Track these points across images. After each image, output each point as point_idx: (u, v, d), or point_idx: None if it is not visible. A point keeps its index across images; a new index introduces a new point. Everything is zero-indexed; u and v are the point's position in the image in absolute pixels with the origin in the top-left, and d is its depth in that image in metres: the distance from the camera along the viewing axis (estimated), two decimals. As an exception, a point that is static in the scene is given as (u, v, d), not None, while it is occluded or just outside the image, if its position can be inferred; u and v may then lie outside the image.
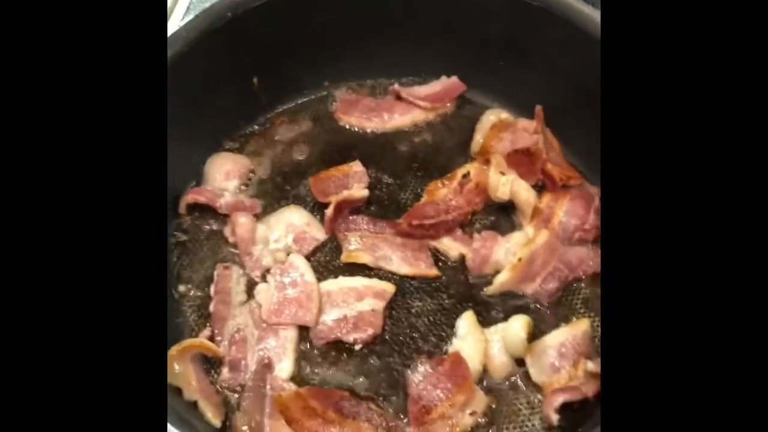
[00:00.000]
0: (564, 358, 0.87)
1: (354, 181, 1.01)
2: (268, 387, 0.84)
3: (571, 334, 0.88)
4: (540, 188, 1.02)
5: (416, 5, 1.04)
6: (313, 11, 1.01)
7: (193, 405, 0.80)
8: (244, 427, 0.80)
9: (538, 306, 0.93)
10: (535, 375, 0.87)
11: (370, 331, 0.89)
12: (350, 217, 0.98)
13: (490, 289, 0.93)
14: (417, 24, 1.06)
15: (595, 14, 0.94)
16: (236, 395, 0.85)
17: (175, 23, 1.25)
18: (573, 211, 0.98)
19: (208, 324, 0.90)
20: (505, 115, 1.05)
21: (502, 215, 1.01)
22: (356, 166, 1.03)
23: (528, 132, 1.03)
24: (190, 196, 0.97)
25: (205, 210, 0.99)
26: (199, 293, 0.93)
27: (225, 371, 0.86)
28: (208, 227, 0.99)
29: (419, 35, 1.08)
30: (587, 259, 0.95)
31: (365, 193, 0.99)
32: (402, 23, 1.06)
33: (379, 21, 1.06)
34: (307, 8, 1.00)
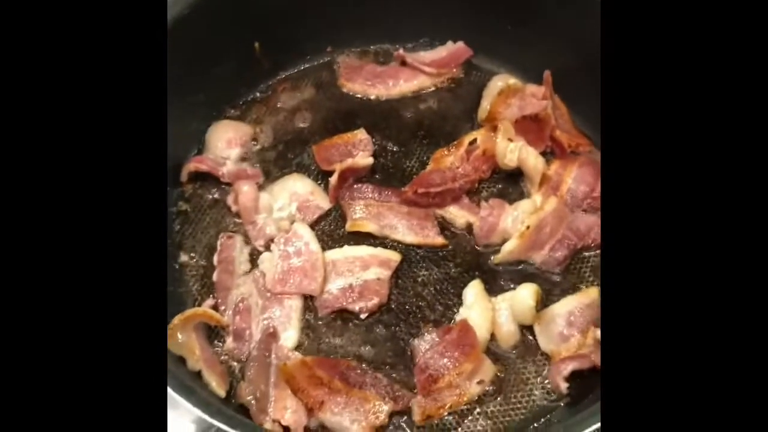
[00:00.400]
0: (573, 327, 0.85)
1: (358, 149, 0.99)
2: (273, 356, 0.83)
3: (580, 303, 0.87)
4: (548, 155, 1.00)
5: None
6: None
7: (197, 374, 0.80)
8: (249, 397, 0.79)
9: (546, 274, 0.91)
10: (544, 343, 0.86)
11: (376, 300, 0.88)
12: (355, 186, 0.97)
13: (497, 258, 0.92)
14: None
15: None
16: (240, 365, 0.84)
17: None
18: (582, 178, 0.96)
19: (211, 294, 0.89)
20: (513, 80, 1.03)
21: (509, 183, 0.99)
22: (360, 134, 1.01)
23: (536, 98, 1.01)
24: (192, 165, 0.96)
25: (207, 178, 0.97)
26: (202, 262, 0.92)
27: (229, 341, 0.85)
28: (210, 196, 0.97)
29: (425, 2, 1.05)
30: (596, 226, 0.93)
31: (370, 161, 0.97)
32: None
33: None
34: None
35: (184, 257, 0.92)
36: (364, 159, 0.97)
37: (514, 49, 1.07)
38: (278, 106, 1.06)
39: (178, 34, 0.88)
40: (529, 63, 1.06)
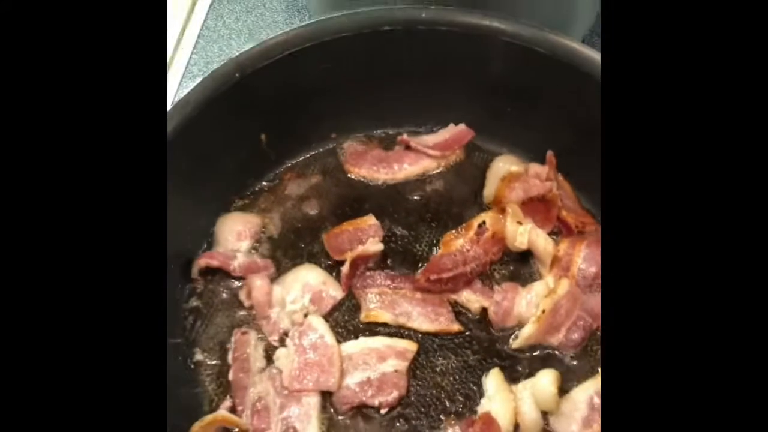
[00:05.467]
0: (595, 411, 0.85)
1: (368, 234, 0.99)
2: (294, 458, 0.82)
3: (599, 386, 0.87)
4: (555, 235, 1.01)
5: (417, 55, 1.03)
6: (316, 67, 1.00)
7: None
8: (273, 504, 0.78)
9: (563, 357, 0.91)
10: (567, 430, 0.85)
11: (395, 394, 0.87)
12: (367, 273, 0.97)
13: (515, 343, 0.92)
14: (420, 73, 1.05)
15: (599, 57, 0.94)
16: (261, 468, 0.82)
17: (175, 78, 1.24)
18: (591, 258, 0.97)
19: (228, 394, 0.87)
20: (515, 167, 1.04)
21: (520, 264, 1.00)
22: (370, 220, 1.01)
23: (540, 179, 1.02)
24: (203, 260, 0.95)
25: (218, 273, 0.97)
26: (215, 361, 0.91)
27: (249, 443, 0.83)
28: (222, 291, 0.97)
29: (424, 84, 1.07)
30: (610, 306, 0.94)
31: (380, 247, 0.97)
32: (405, 73, 1.05)
33: (382, 72, 1.05)
34: (310, 64, 0.99)
35: (198, 356, 0.91)
36: (374, 245, 0.97)
37: (515, 130, 1.09)
38: (286, 194, 1.07)
39: (187, 135, 0.90)
40: (530, 142, 1.08)
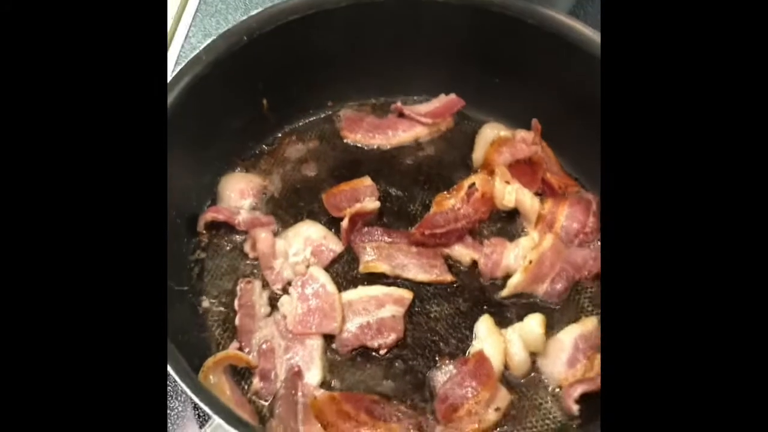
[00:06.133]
0: (579, 352, 0.92)
1: (365, 195, 1.05)
2: (299, 394, 0.86)
3: (582, 331, 0.93)
4: (540, 196, 1.08)
5: (411, 26, 1.09)
6: (317, 35, 1.05)
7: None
8: (280, 433, 0.83)
9: (548, 306, 0.98)
10: (552, 369, 0.92)
11: (393, 336, 0.92)
12: (365, 229, 1.02)
13: (504, 292, 0.98)
14: (413, 44, 1.12)
15: (586, 30, 1.01)
16: (267, 404, 0.87)
17: (175, 49, 1.28)
18: (573, 216, 1.04)
19: (235, 338, 0.92)
20: (503, 131, 1.11)
21: (507, 222, 1.06)
22: (366, 181, 1.07)
23: (526, 143, 1.09)
24: (209, 215, 1.00)
25: (223, 227, 1.01)
26: (222, 308, 0.95)
27: (256, 381, 0.88)
28: (226, 244, 1.01)
29: (416, 55, 1.13)
30: (590, 259, 1.01)
31: (377, 204, 1.03)
32: (400, 45, 1.11)
33: (378, 43, 1.11)
34: (312, 31, 1.04)
35: (205, 303, 0.95)
36: (371, 203, 1.03)
37: (503, 100, 1.16)
38: (285, 156, 1.12)
39: (197, 91, 0.94)
40: (516, 112, 1.15)
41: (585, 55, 1.01)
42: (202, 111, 0.97)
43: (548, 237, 1.00)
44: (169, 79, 0.91)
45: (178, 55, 1.27)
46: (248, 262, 0.99)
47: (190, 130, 0.97)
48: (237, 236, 1.01)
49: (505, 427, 0.87)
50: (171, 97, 0.90)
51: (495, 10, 1.05)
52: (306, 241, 1.00)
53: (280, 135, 1.14)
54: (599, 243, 1.03)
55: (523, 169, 1.07)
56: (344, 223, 1.00)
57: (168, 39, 1.27)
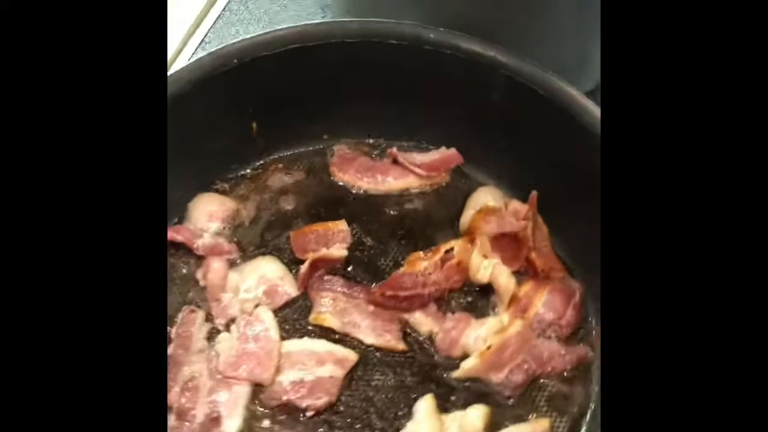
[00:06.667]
0: (518, 457, 0.84)
1: (336, 240, 1.00)
2: (211, 443, 0.82)
3: (529, 433, 0.86)
4: (521, 275, 1.00)
5: (419, 73, 1.03)
6: (319, 68, 1.01)
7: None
8: (177, 483, 0.78)
9: (501, 397, 0.90)
10: (486, 470, 0.84)
11: (325, 399, 0.87)
12: (325, 277, 0.97)
13: (456, 373, 0.91)
14: (420, 91, 1.05)
15: (597, 111, 0.94)
16: (177, 446, 0.83)
17: (188, 53, 1.26)
18: (551, 305, 0.96)
19: (163, 367, 0.88)
20: (492, 201, 1.04)
21: (480, 297, 0.99)
22: (341, 225, 1.02)
23: (517, 217, 1.02)
24: (169, 234, 0.97)
25: (183, 248, 0.98)
26: (160, 333, 0.92)
27: (172, 419, 0.84)
28: (182, 266, 0.98)
29: (423, 103, 1.07)
30: (558, 356, 0.93)
31: (344, 253, 0.98)
32: (405, 89, 1.05)
33: (383, 84, 1.05)
34: (312, 63, 1.00)
35: (143, 325, 0.92)
36: (338, 251, 0.98)
37: (504, 163, 1.09)
38: (267, 184, 1.08)
39: (177, 110, 0.89)
40: (517, 178, 1.07)
41: (594, 137, 0.93)
42: (181, 127, 0.92)
43: (516, 323, 0.93)
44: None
45: (188, 59, 1.25)
46: (198, 291, 0.96)
47: (168, 145, 0.94)
48: (194, 260, 0.98)
49: None
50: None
51: (505, 73, 0.98)
52: (261, 279, 0.96)
53: (267, 161, 1.10)
54: (573, 339, 0.95)
55: (508, 244, 1.00)
56: (303, 268, 0.95)
57: (183, 42, 1.25)
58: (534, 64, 0.96)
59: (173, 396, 0.85)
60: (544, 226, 1.05)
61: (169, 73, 0.91)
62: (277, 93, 1.03)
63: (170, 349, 0.89)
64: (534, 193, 1.03)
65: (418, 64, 1.02)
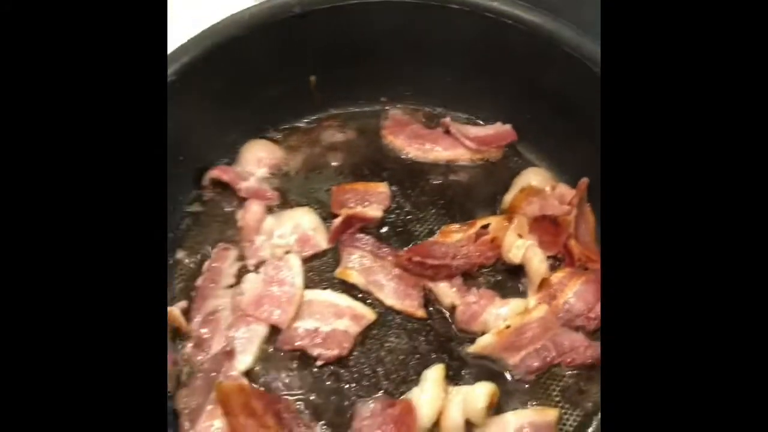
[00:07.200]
0: (520, 441, 0.82)
1: (374, 200, 1.00)
2: (221, 374, 0.85)
3: (534, 419, 0.83)
4: (559, 261, 0.97)
5: (485, 44, 1.02)
6: (379, 29, 1.01)
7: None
8: (184, 406, 0.82)
9: (514, 380, 0.88)
10: (485, 448, 0.83)
11: (336, 351, 0.88)
12: (357, 235, 0.98)
13: (471, 348, 0.90)
14: (481, 64, 1.04)
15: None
16: (189, 372, 0.86)
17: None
18: (583, 295, 0.92)
19: (190, 296, 0.92)
20: (537, 182, 1.01)
21: (510, 277, 0.97)
22: (381, 187, 1.02)
23: (561, 201, 0.98)
24: (215, 172, 1.00)
25: (228, 189, 1.01)
26: (192, 265, 0.96)
27: (189, 346, 0.88)
28: (225, 205, 1.01)
29: (482, 75, 1.06)
30: (580, 347, 0.89)
31: (378, 214, 0.98)
32: (466, 60, 1.04)
33: (448, 52, 1.05)
34: (373, 25, 1.00)
35: (179, 254, 0.96)
36: (373, 211, 0.98)
37: (559, 146, 1.05)
38: (318, 139, 1.09)
39: (235, 50, 0.94)
40: (569, 162, 1.04)
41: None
42: (237, 71, 0.97)
43: (541, 308, 0.90)
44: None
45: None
46: (236, 230, 0.99)
47: (226, 86, 0.98)
48: (237, 201, 1.01)
49: (409, 487, 0.80)
50: (197, 50, 0.90)
51: (566, 50, 0.94)
52: (295, 228, 0.98)
53: (322, 116, 1.12)
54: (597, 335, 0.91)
55: (548, 228, 0.97)
56: (336, 222, 0.96)
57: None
58: (596, 42, 0.91)
59: (194, 325, 0.89)
60: (591, 215, 1.01)
61: (230, 15, 0.94)
62: (336, 50, 1.03)
63: (199, 281, 0.93)
64: (584, 180, 0.98)
65: (477, 32, 0.99)
